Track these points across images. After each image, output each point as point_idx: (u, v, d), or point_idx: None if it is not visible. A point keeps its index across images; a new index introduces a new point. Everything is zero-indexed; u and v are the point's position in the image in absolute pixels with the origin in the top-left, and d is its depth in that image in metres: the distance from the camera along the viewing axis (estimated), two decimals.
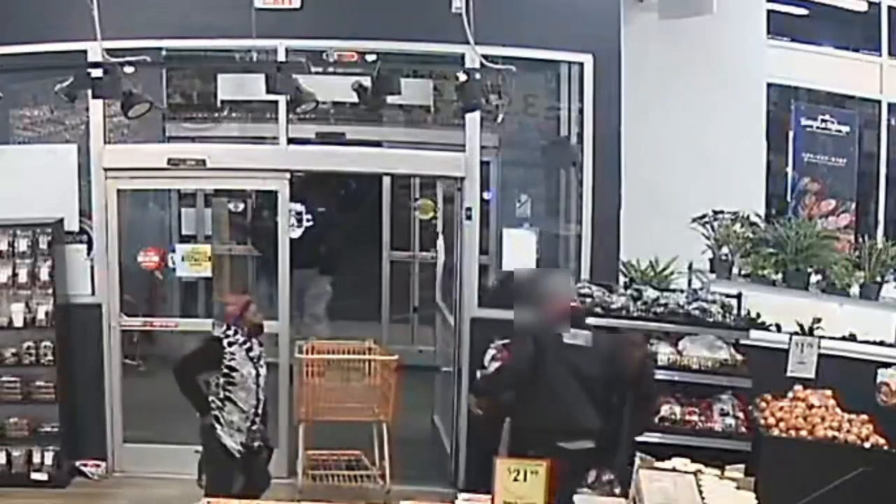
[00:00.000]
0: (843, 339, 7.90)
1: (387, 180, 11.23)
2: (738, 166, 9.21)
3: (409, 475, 8.04)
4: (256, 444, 6.79)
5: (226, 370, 6.67)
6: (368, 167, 8.84)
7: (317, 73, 7.93)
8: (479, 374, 7.78)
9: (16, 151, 8.25)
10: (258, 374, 6.76)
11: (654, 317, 7.71)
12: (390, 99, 7.75)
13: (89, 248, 8.24)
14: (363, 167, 8.84)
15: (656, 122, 8.79)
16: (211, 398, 6.73)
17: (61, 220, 8.13)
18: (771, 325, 7.97)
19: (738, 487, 4.78)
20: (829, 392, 7.52)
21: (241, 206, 10.88)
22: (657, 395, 7.22)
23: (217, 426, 6.67)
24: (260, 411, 6.80)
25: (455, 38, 7.44)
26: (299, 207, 9.65)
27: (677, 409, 7.43)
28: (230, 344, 6.69)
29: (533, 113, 9.00)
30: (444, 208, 10.38)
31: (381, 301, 11.48)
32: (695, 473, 4.86)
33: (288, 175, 8.29)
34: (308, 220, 9.67)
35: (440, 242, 10.05)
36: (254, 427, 6.75)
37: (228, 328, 6.72)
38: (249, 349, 6.74)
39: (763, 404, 7.57)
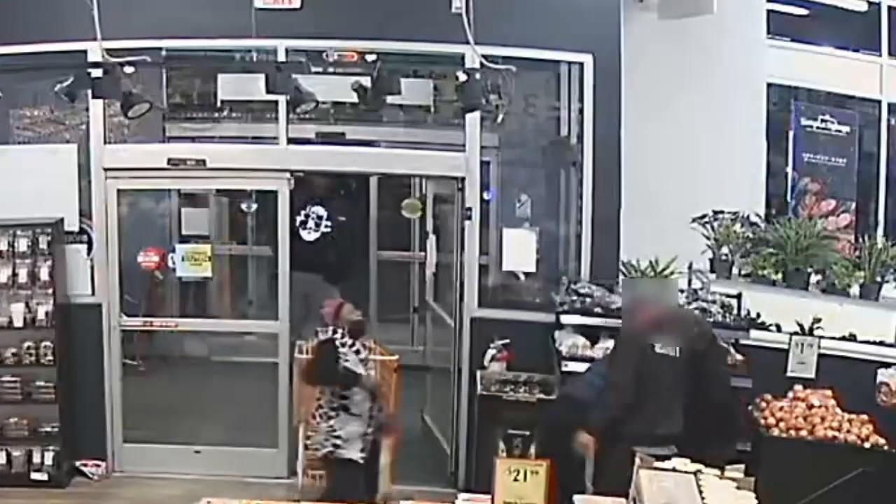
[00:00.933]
0: (843, 339, 7.89)
1: (373, 180, 11.16)
2: (738, 166, 9.21)
3: (409, 475, 8.04)
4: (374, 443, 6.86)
5: (342, 371, 6.72)
6: (368, 167, 8.85)
7: (317, 73, 7.92)
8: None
9: (16, 151, 8.25)
10: (368, 375, 6.84)
11: None
12: (390, 99, 7.74)
13: (89, 248, 8.24)
14: (363, 167, 8.84)
15: (656, 122, 8.78)
16: (323, 410, 6.80)
17: (61, 220, 8.13)
18: (771, 325, 7.97)
19: (738, 487, 4.78)
20: (829, 392, 7.53)
21: (255, 207, 10.82)
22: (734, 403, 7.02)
23: (337, 446, 6.72)
24: (375, 413, 6.85)
25: (455, 38, 7.43)
26: (321, 211, 9.61)
27: None
28: (342, 345, 6.77)
29: (533, 113, 8.99)
30: (439, 207, 10.35)
31: (380, 302, 11.48)
32: (695, 473, 4.87)
33: (288, 175, 8.29)
34: (327, 227, 9.63)
35: (430, 242, 10.03)
36: (370, 431, 6.80)
37: (335, 332, 6.80)
38: (357, 351, 6.83)
39: (763, 404, 7.57)
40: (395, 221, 11.34)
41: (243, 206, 10.76)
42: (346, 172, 9.64)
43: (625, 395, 6.56)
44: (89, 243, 8.25)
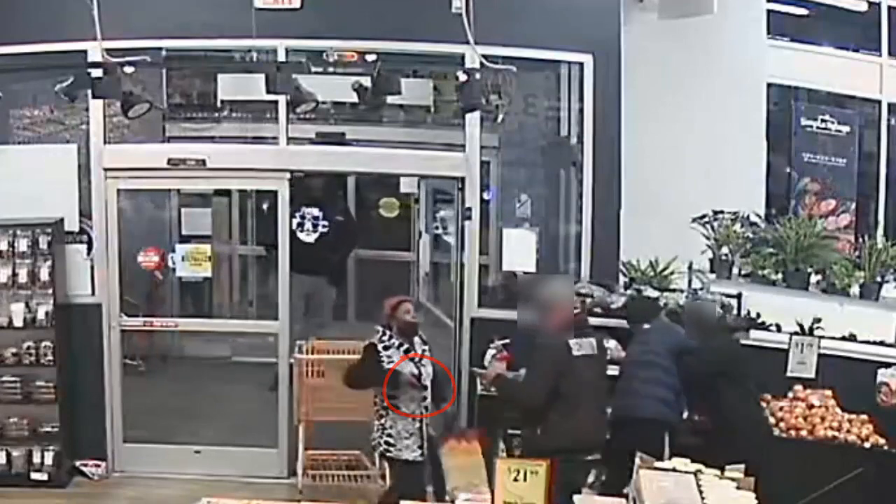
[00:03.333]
0: (843, 339, 7.89)
1: (351, 180, 11.12)
2: (738, 166, 9.21)
3: None
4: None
5: (375, 374, 6.74)
6: (368, 167, 8.84)
7: (317, 73, 7.93)
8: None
9: (16, 151, 8.24)
10: (420, 375, 6.79)
11: None
12: (390, 99, 7.76)
13: (89, 248, 8.24)
14: (363, 167, 8.84)
15: (656, 122, 8.78)
16: (376, 408, 6.83)
17: (61, 220, 8.13)
18: (771, 325, 7.97)
19: (738, 487, 4.78)
20: (829, 392, 7.54)
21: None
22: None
23: (389, 444, 6.77)
24: (425, 410, 6.84)
25: (455, 38, 7.44)
26: (316, 212, 9.61)
27: None
28: (385, 348, 6.75)
29: (533, 113, 9.00)
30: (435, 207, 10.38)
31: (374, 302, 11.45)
32: (695, 473, 4.86)
33: (288, 175, 8.29)
34: (324, 227, 9.63)
35: (424, 242, 10.04)
36: (423, 427, 6.81)
37: (383, 333, 6.80)
38: (407, 350, 6.78)
39: (763, 404, 7.57)
40: (390, 221, 11.33)
41: (265, 206, 10.75)
42: (346, 172, 9.65)
43: (535, 398, 6.61)
44: (89, 243, 8.24)
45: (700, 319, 7.42)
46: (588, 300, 7.83)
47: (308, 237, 9.48)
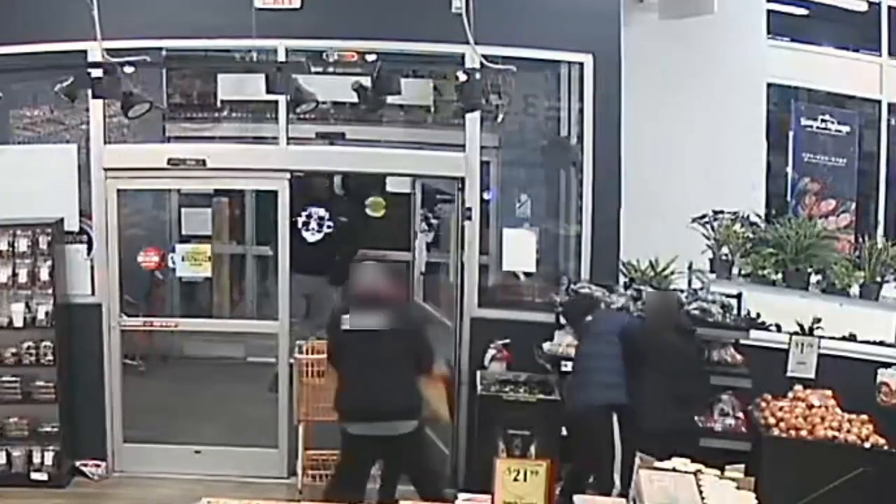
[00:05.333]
0: (843, 339, 7.90)
1: (336, 179, 11.10)
2: (738, 166, 9.21)
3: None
4: None
5: None
6: (368, 167, 8.84)
7: (317, 73, 7.93)
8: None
9: (16, 151, 8.25)
10: None
11: None
12: (390, 99, 7.75)
13: (89, 248, 8.24)
14: (363, 167, 8.83)
15: (656, 122, 8.78)
16: None
17: (61, 220, 8.13)
18: (771, 325, 7.97)
19: (738, 487, 4.78)
20: (829, 392, 7.54)
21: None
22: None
23: None
24: None
25: (455, 38, 7.44)
26: (322, 212, 9.61)
27: None
28: None
29: (533, 113, 9.00)
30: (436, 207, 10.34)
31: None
32: (695, 473, 4.86)
33: (288, 175, 8.29)
34: (329, 227, 9.62)
35: (419, 241, 10.02)
36: None
37: None
38: None
39: (763, 404, 7.58)
40: (388, 221, 11.30)
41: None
42: (346, 172, 9.65)
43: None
44: (89, 243, 8.25)
45: (659, 308, 7.47)
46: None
47: (313, 237, 9.49)
